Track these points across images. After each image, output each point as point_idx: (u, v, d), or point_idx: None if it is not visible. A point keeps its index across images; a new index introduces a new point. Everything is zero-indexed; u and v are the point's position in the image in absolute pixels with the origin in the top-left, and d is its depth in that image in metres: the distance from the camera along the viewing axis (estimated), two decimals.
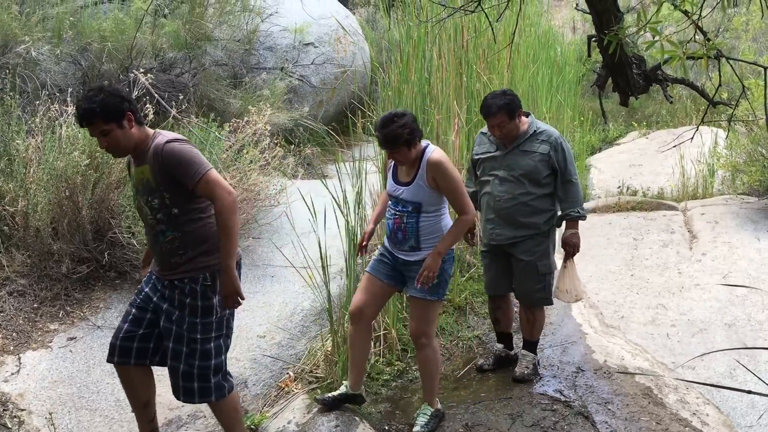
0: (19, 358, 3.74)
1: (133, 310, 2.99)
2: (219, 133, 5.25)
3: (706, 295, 4.78)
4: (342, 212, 4.17)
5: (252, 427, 3.55)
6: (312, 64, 7.85)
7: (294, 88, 7.46)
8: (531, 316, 3.98)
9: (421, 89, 5.67)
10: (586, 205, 7.03)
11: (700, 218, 6.22)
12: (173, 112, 5.33)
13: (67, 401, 3.53)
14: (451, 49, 6.18)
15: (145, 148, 2.82)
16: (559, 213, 3.87)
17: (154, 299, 2.96)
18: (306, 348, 4.20)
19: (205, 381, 2.92)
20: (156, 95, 5.32)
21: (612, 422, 3.52)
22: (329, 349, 4.03)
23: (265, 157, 5.34)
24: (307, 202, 4.17)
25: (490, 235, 3.89)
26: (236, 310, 4.34)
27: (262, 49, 7.57)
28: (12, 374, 3.62)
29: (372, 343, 4.22)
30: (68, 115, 4.46)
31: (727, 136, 6.02)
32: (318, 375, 3.94)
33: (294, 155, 6.04)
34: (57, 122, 4.44)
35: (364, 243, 3.59)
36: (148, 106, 4.79)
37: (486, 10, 3.25)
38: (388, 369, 4.13)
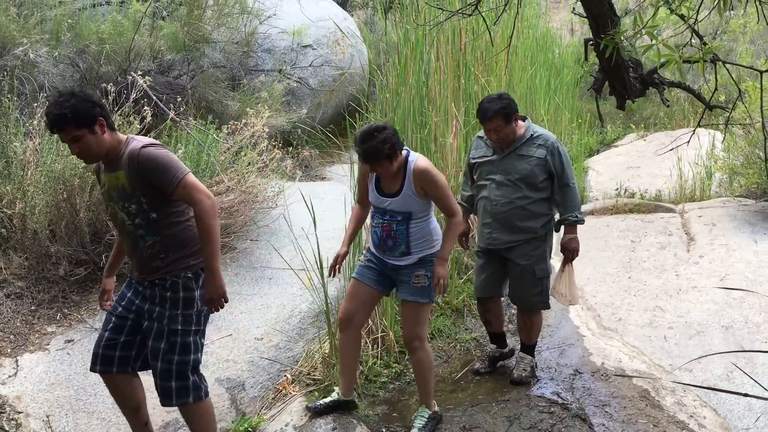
0: (17, 361, 3.74)
1: (113, 318, 2.95)
2: (217, 135, 5.26)
3: (703, 298, 4.79)
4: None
5: (249, 429, 3.55)
6: (310, 66, 7.86)
7: (292, 90, 7.46)
8: (528, 320, 3.98)
9: (419, 91, 5.68)
10: (584, 208, 7.05)
11: (698, 221, 6.23)
12: (171, 114, 5.33)
13: (65, 404, 3.53)
14: (449, 52, 6.19)
15: (118, 153, 2.79)
16: (557, 217, 3.87)
17: (137, 302, 2.93)
18: (303, 350, 4.20)
19: (183, 378, 2.87)
20: (154, 97, 5.32)
21: (609, 425, 3.52)
22: (327, 351, 4.03)
23: (263, 159, 5.35)
24: (307, 204, 4.17)
25: (487, 240, 3.88)
26: (234, 312, 4.38)
27: (261, 51, 7.58)
28: (9, 377, 3.62)
29: (369, 346, 4.23)
30: None
31: (724, 138, 6.04)
32: (315, 377, 3.94)
33: (292, 157, 6.04)
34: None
35: (337, 266, 3.53)
36: (146, 108, 4.80)
37: (484, 13, 3.26)
38: (385, 371, 4.13)
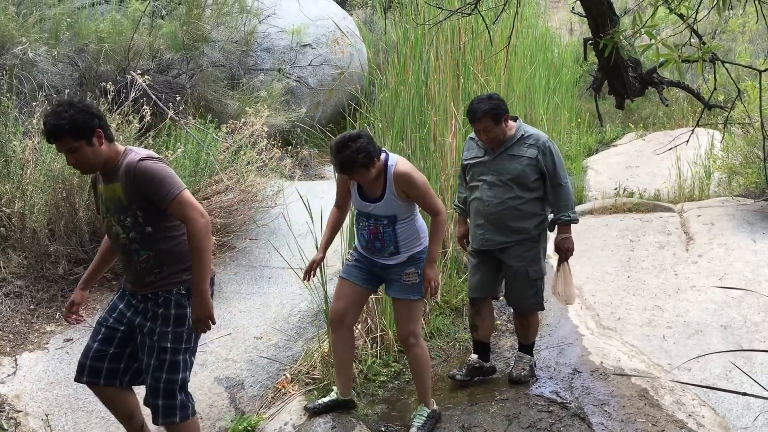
0: (16, 360, 3.74)
1: (103, 329, 2.89)
2: (216, 135, 5.26)
3: (702, 297, 4.79)
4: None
5: (249, 428, 3.55)
6: (309, 65, 7.86)
7: (291, 89, 7.46)
8: (525, 321, 3.97)
9: (418, 91, 5.68)
10: (582, 207, 7.06)
11: (697, 220, 6.23)
12: (170, 113, 5.33)
13: (64, 403, 3.53)
14: (448, 51, 6.19)
15: (116, 165, 2.74)
16: (551, 217, 3.86)
17: (128, 315, 2.88)
18: (303, 349, 4.20)
19: (170, 398, 2.81)
20: (153, 96, 5.32)
21: (608, 424, 3.53)
22: (326, 350, 4.03)
23: (262, 159, 5.35)
24: (305, 203, 4.17)
25: (480, 241, 3.85)
26: (233, 311, 4.38)
27: (260, 51, 7.58)
28: (8, 376, 3.62)
29: (368, 345, 4.24)
30: None
31: (723, 138, 6.04)
32: (315, 376, 3.94)
33: (291, 156, 6.05)
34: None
35: (312, 272, 3.51)
36: (145, 107, 4.79)
37: (483, 13, 3.26)
38: (384, 370, 4.14)
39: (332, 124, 7.43)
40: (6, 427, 3.29)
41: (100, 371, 2.88)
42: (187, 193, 2.72)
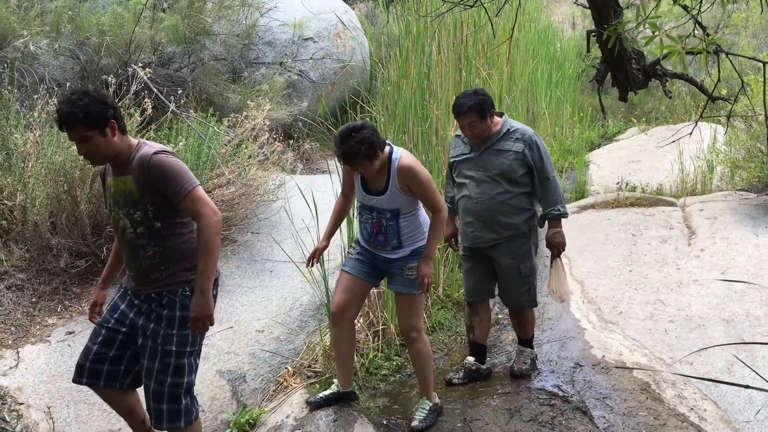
0: (18, 353, 3.74)
1: (103, 330, 2.84)
2: (218, 128, 5.25)
3: (704, 291, 4.78)
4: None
5: (250, 421, 3.56)
6: (311, 59, 7.84)
7: (293, 83, 7.45)
8: (520, 318, 3.96)
9: (420, 84, 5.66)
10: (584, 201, 7.05)
11: (699, 214, 6.22)
12: (172, 106, 5.32)
13: (66, 395, 3.53)
14: (450, 44, 6.17)
15: (128, 158, 2.69)
16: (540, 212, 3.84)
17: (131, 315, 2.81)
18: (304, 343, 4.20)
19: (175, 402, 2.75)
20: (155, 90, 5.31)
21: (610, 417, 3.53)
22: (328, 344, 4.03)
23: (263, 152, 5.35)
24: (306, 197, 4.17)
25: (470, 239, 3.82)
26: (235, 305, 4.38)
27: (261, 44, 7.56)
28: (10, 368, 3.62)
29: (370, 339, 4.24)
30: None
31: (726, 132, 6.01)
32: (316, 370, 3.95)
33: (293, 150, 6.04)
34: (55, 116, 4.43)
35: (314, 259, 3.52)
36: (146, 100, 4.78)
37: (485, 5, 3.25)
38: (386, 364, 4.14)
39: (334, 118, 7.42)
40: (8, 420, 3.30)
41: (100, 373, 2.84)
42: (201, 190, 2.67)
